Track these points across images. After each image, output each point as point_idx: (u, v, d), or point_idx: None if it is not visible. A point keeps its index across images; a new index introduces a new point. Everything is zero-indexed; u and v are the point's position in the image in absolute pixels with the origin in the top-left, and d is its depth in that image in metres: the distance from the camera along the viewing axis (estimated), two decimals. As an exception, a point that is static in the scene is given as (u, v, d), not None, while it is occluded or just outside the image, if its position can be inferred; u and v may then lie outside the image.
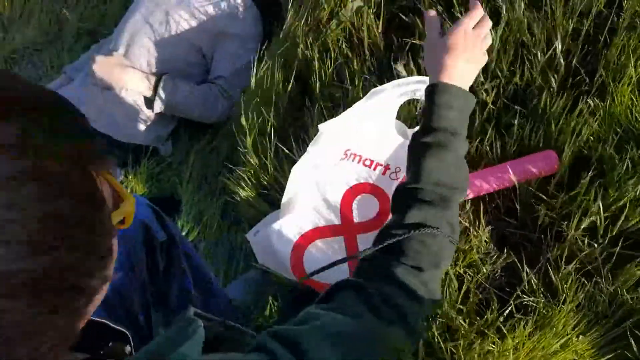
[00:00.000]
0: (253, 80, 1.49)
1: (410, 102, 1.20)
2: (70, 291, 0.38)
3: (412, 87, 1.10)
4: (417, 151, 0.71)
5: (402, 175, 1.15)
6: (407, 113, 1.22)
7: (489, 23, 0.79)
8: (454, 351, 1.09)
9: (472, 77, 0.76)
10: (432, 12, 0.82)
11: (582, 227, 1.09)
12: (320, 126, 1.14)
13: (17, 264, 0.33)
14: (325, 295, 0.66)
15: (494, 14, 1.32)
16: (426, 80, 1.11)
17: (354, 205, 1.17)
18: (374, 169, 1.17)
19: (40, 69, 2.11)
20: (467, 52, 0.74)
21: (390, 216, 0.75)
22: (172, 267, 1.06)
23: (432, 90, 0.73)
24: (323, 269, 0.81)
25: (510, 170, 1.11)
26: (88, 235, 0.39)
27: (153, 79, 1.63)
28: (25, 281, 0.34)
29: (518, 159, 1.14)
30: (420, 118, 0.76)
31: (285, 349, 0.53)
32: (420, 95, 1.10)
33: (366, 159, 1.17)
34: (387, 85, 1.10)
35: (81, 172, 0.39)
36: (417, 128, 0.77)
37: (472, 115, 1.26)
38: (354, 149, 1.18)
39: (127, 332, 0.61)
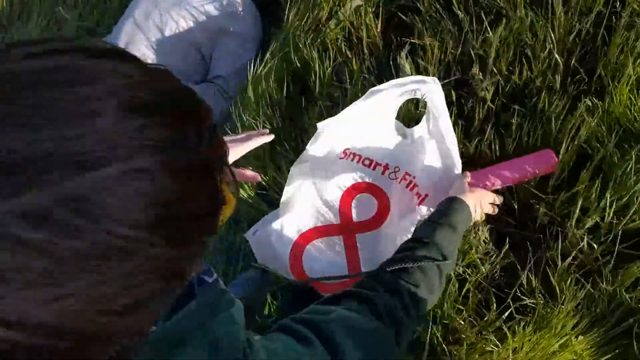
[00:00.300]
0: (251, 79, 1.48)
1: (409, 102, 1.19)
2: (177, 279, 0.38)
3: (411, 86, 1.09)
4: (434, 225, 0.88)
5: (402, 175, 1.14)
6: (406, 112, 1.22)
7: (499, 199, 1.07)
8: (455, 352, 1.09)
9: (476, 211, 0.98)
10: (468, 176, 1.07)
11: (581, 225, 1.09)
12: (319, 125, 1.13)
13: (155, 249, 0.34)
14: (331, 297, 0.69)
15: (495, 13, 1.32)
16: (425, 79, 1.10)
17: (353, 205, 1.17)
18: (373, 169, 1.16)
19: (39, 69, 2.11)
20: (480, 198, 1.01)
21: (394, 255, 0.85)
22: None
23: (454, 200, 0.95)
24: (327, 278, 0.91)
25: (507, 171, 1.11)
26: (207, 236, 0.39)
27: (152, 79, 1.63)
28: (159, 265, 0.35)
29: (516, 159, 1.14)
30: (436, 211, 0.95)
31: (309, 331, 0.56)
32: (421, 94, 1.10)
33: (365, 159, 1.17)
34: (385, 85, 1.10)
35: (211, 175, 0.39)
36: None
37: (471, 113, 1.27)
38: (353, 148, 1.17)
39: None
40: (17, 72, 0.32)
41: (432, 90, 1.08)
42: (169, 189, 0.34)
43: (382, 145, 1.16)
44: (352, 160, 1.17)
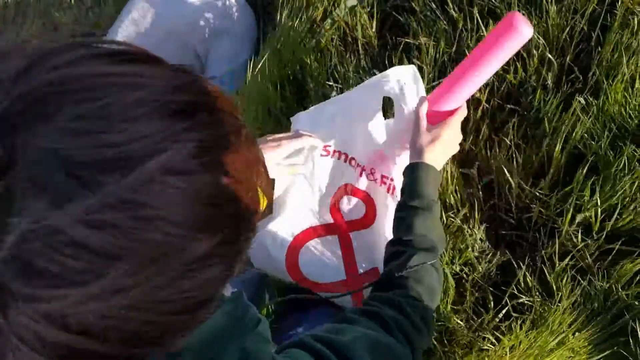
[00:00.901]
0: (246, 80, 1.48)
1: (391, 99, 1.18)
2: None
3: (393, 84, 1.05)
4: (408, 212, 0.86)
5: (379, 177, 1.12)
6: (392, 109, 1.21)
7: (463, 113, 0.99)
8: (451, 354, 1.09)
9: (444, 161, 0.96)
10: (424, 107, 0.97)
11: (576, 221, 1.09)
12: (292, 118, 1.12)
13: (202, 246, 0.35)
14: (345, 317, 0.70)
15: (490, 12, 1.32)
16: (408, 71, 1.06)
17: (344, 203, 1.16)
18: (355, 168, 1.14)
19: (35, 72, 2.10)
20: (445, 144, 0.94)
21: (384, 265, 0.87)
22: None
23: (416, 167, 0.90)
24: (331, 296, 0.99)
25: (469, 72, 0.93)
26: (250, 234, 0.41)
27: (147, 81, 1.63)
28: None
29: (475, 49, 0.94)
30: (403, 187, 0.92)
31: (329, 350, 0.57)
32: (405, 92, 1.05)
33: (351, 158, 1.14)
34: (371, 80, 1.07)
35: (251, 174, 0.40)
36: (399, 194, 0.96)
37: (467, 115, 1.27)
38: (335, 145, 1.14)
39: None
40: (64, 77, 0.33)
41: (410, 83, 1.04)
42: (212, 188, 0.35)
43: (361, 144, 1.13)
44: (339, 159, 1.14)
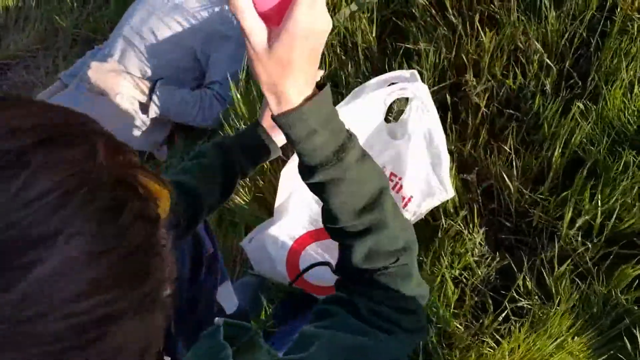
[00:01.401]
0: (246, 84, 1.49)
1: (397, 101, 1.19)
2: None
3: (400, 85, 1.06)
4: (317, 192, 0.60)
5: (388, 174, 1.13)
6: (395, 111, 1.22)
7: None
8: (449, 357, 1.09)
9: (316, 63, 0.54)
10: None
11: (576, 225, 1.10)
12: None
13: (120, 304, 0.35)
14: (316, 313, 0.63)
15: (489, 18, 1.33)
16: (404, 73, 1.06)
17: None
18: None
19: (35, 75, 2.11)
20: (304, 46, 0.50)
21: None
22: (208, 279, 1.06)
23: (282, 126, 0.55)
24: (305, 269, 0.83)
25: None
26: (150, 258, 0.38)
27: (148, 85, 1.63)
28: None
29: None
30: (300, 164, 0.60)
31: None
32: (411, 93, 1.07)
33: None
34: (371, 82, 1.08)
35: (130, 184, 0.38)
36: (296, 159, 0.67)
37: (465, 118, 1.28)
38: None
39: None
40: None
41: (418, 88, 1.06)
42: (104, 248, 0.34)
43: (370, 145, 1.14)
44: None
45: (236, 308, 1.24)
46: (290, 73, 0.51)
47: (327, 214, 0.62)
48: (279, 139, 0.91)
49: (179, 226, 0.79)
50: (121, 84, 1.61)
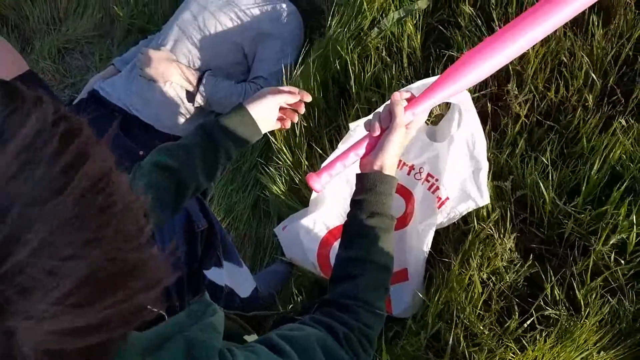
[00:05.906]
0: (288, 80, 1.54)
1: (439, 105, 1.22)
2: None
3: None
4: (364, 231, 0.79)
5: (424, 176, 1.15)
6: (435, 114, 1.25)
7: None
8: (475, 357, 1.10)
9: (397, 161, 0.86)
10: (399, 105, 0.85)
11: (610, 242, 1.10)
12: (351, 124, 1.17)
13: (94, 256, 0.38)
14: (302, 321, 0.71)
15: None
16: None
17: None
18: (400, 169, 1.18)
19: (90, 60, 2.22)
20: (400, 147, 0.84)
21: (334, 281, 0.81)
22: (208, 253, 1.11)
23: (376, 179, 0.81)
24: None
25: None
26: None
27: (196, 75, 1.70)
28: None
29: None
30: (361, 199, 0.81)
31: (287, 344, 0.60)
32: (452, 99, 1.10)
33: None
34: (414, 85, 1.11)
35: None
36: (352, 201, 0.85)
37: (505, 127, 1.29)
38: None
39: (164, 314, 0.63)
40: None
41: (462, 94, 1.09)
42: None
43: (410, 145, 1.17)
44: None
45: (253, 292, 1.27)
46: (395, 155, 0.84)
47: (361, 248, 0.80)
48: (263, 124, 0.94)
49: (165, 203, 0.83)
50: (172, 72, 1.68)
